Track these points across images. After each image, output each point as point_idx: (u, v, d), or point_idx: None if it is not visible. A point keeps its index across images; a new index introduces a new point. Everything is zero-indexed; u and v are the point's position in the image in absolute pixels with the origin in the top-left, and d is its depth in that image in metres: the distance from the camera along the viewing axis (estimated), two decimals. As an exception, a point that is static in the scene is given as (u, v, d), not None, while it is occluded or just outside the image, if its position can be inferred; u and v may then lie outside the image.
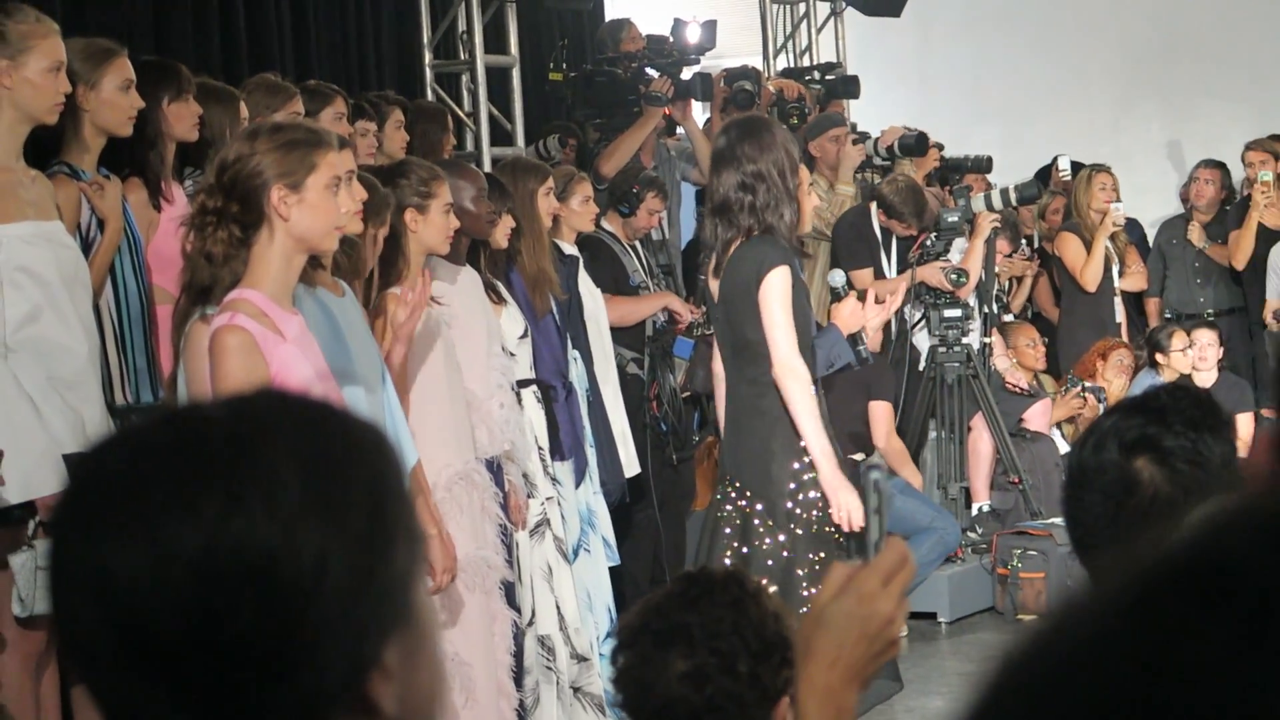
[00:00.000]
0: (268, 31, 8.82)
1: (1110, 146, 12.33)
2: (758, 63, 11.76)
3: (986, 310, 9.44)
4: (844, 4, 12.53)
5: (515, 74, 9.65)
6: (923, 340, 9.27)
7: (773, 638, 2.82)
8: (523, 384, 6.45)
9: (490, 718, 5.66)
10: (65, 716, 5.26)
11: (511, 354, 6.33)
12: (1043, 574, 8.62)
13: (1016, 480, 9.20)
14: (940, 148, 10.35)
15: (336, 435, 1.32)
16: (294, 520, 1.25)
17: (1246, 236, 10.77)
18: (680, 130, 9.78)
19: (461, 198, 5.93)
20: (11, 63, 5.13)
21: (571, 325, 7.12)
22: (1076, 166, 11.17)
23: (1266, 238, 10.69)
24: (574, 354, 7.06)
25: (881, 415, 8.80)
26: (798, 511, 5.65)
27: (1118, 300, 10.83)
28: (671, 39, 9.64)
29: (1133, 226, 11.55)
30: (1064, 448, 9.54)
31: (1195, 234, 11.20)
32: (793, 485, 5.66)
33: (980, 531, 9.12)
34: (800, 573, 5.62)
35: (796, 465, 5.67)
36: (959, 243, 9.28)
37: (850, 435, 8.19)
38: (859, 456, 8.36)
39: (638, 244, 8.44)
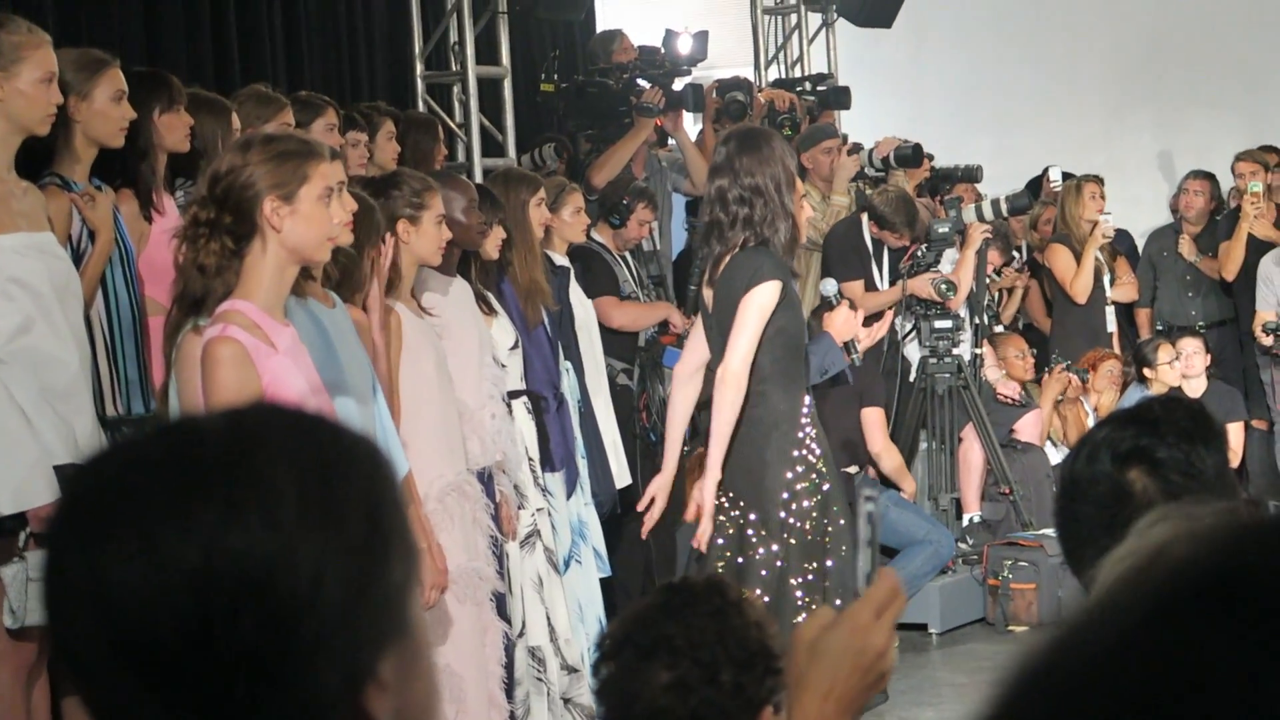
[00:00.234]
0: (259, 42, 8.82)
1: (1102, 156, 12.35)
2: (749, 73, 11.77)
3: (977, 321, 9.44)
4: (835, 15, 12.55)
5: (507, 85, 9.66)
6: (913, 351, 9.26)
7: (755, 647, 2.83)
8: (513, 395, 6.44)
9: (482, 729, 5.65)
10: (56, 728, 5.26)
11: (502, 365, 6.33)
12: (1034, 585, 8.62)
13: (1007, 491, 9.20)
14: (931, 158, 10.35)
15: (332, 447, 1.32)
16: (291, 532, 1.25)
17: (1237, 247, 10.78)
18: (672, 141, 9.78)
19: (452, 209, 5.93)
20: (3, 73, 5.12)
21: (563, 336, 7.11)
22: (1067, 177, 11.17)
23: (1256, 248, 10.70)
24: (566, 365, 7.06)
25: (875, 421, 8.78)
26: (791, 521, 5.65)
27: (1110, 310, 10.83)
28: (663, 50, 9.63)
29: (1123, 237, 11.56)
30: (1055, 458, 9.54)
31: (1186, 248, 11.20)
32: (786, 495, 5.66)
33: (971, 542, 9.11)
34: (794, 582, 5.61)
35: (790, 475, 5.67)
36: (950, 254, 9.27)
37: (844, 444, 8.18)
38: (853, 470, 8.36)
39: (628, 255, 8.44)
